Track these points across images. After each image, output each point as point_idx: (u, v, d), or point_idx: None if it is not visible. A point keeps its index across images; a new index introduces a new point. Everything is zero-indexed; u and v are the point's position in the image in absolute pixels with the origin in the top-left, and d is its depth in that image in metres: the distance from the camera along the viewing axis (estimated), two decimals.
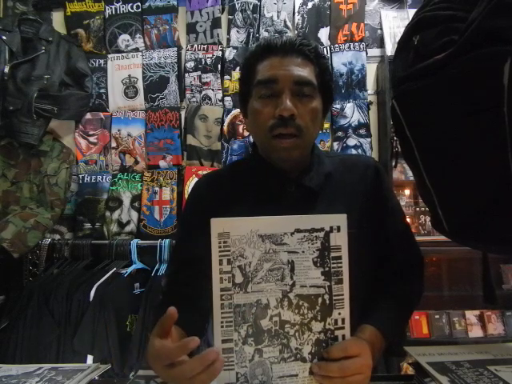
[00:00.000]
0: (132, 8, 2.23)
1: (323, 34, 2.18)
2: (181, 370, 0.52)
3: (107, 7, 2.24)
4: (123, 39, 2.23)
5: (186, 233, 0.87)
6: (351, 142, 2.09)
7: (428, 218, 1.98)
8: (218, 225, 0.54)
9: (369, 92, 2.15)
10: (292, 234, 0.57)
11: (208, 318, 0.61)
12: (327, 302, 0.58)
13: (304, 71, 0.75)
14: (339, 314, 0.59)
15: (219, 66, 2.17)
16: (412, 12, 0.73)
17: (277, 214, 0.58)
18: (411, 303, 0.84)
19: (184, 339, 0.52)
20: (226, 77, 2.17)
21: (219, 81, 2.17)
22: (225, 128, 2.14)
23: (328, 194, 0.80)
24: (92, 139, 2.19)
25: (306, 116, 0.74)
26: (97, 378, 0.70)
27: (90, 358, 1.68)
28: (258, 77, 0.77)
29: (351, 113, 2.10)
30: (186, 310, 0.72)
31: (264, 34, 2.18)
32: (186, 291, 0.77)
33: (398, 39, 0.73)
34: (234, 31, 2.20)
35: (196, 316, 0.75)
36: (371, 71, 2.18)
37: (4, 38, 1.97)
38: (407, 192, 2.16)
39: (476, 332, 1.99)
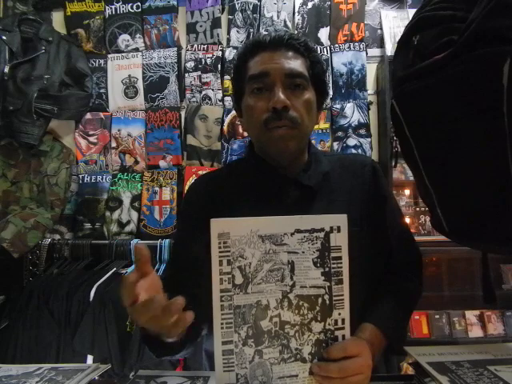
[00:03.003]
0: (132, 8, 2.23)
1: (323, 33, 2.18)
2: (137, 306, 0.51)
3: (107, 7, 2.24)
4: (123, 39, 2.23)
5: (184, 234, 0.87)
6: (351, 141, 2.09)
7: (428, 218, 1.98)
8: (217, 225, 0.54)
9: (369, 92, 2.14)
10: (292, 234, 0.57)
11: (207, 319, 0.61)
12: (327, 302, 0.58)
13: (295, 64, 0.76)
14: (339, 314, 0.59)
15: (219, 65, 2.17)
16: (412, 12, 0.73)
17: (276, 214, 0.58)
18: (411, 302, 0.84)
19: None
20: (226, 77, 2.17)
21: (219, 81, 2.17)
22: (225, 128, 2.14)
23: (326, 192, 0.80)
24: (92, 139, 2.19)
25: (299, 108, 0.75)
26: (97, 378, 0.70)
27: (90, 358, 1.68)
28: (250, 72, 0.77)
29: (351, 113, 2.10)
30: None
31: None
32: (186, 293, 0.77)
33: (398, 39, 0.73)
34: (233, 31, 2.20)
35: (196, 317, 0.75)
36: (371, 71, 2.18)
37: (4, 37, 1.97)
38: (407, 192, 2.16)
39: (476, 332, 1.99)
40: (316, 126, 0.82)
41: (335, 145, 2.12)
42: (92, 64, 2.21)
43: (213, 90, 2.17)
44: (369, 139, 2.09)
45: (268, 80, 0.74)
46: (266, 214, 0.58)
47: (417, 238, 0.89)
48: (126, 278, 0.52)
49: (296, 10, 2.18)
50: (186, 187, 2.06)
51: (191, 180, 2.07)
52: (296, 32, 2.17)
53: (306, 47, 0.79)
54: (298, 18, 2.18)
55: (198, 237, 0.69)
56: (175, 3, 2.22)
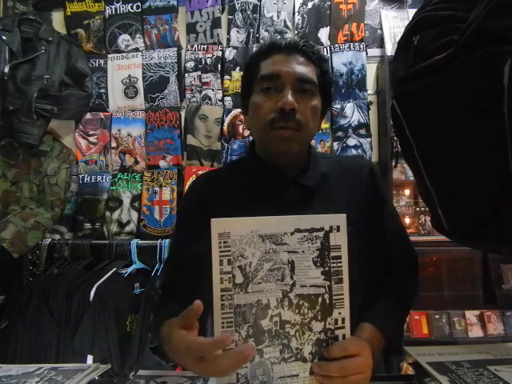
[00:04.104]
0: (132, 8, 2.24)
1: (323, 33, 2.18)
2: (214, 365, 0.51)
3: (107, 7, 2.24)
4: (123, 39, 2.23)
5: (183, 233, 0.87)
6: (351, 141, 2.09)
7: (428, 218, 1.98)
8: (218, 225, 0.54)
9: (369, 92, 2.15)
10: (292, 233, 0.57)
11: (207, 317, 0.61)
12: (327, 301, 0.58)
13: (306, 70, 0.77)
14: (339, 313, 0.59)
15: (219, 65, 2.17)
16: (412, 12, 0.73)
17: (275, 213, 0.58)
18: (408, 302, 0.85)
19: (219, 336, 0.53)
20: (226, 77, 2.17)
21: (219, 81, 2.17)
22: (225, 128, 2.14)
23: (325, 193, 0.81)
24: (92, 139, 2.19)
25: (306, 112, 0.76)
26: (97, 378, 0.70)
27: (90, 358, 1.68)
28: (262, 72, 0.79)
29: (351, 113, 2.10)
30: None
31: (264, 34, 2.18)
32: (185, 291, 0.77)
33: (398, 39, 0.73)
34: (233, 31, 2.20)
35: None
36: (371, 71, 2.18)
37: (4, 37, 1.97)
38: (407, 192, 2.16)
39: (476, 332, 1.99)
40: None
41: (335, 145, 2.12)
42: (92, 64, 2.21)
43: (213, 90, 2.17)
44: (369, 139, 2.09)
45: (279, 81, 0.76)
46: (265, 213, 0.58)
47: (417, 238, 0.89)
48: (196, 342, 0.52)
49: (296, 9, 2.18)
50: (186, 187, 2.06)
51: (191, 180, 2.08)
52: (296, 32, 2.18)
53: (318, 56, 0.81)
54: (297, 17, 2.18)
55: (197, 236, 0.69)
56: (175, 3, 2.23)
